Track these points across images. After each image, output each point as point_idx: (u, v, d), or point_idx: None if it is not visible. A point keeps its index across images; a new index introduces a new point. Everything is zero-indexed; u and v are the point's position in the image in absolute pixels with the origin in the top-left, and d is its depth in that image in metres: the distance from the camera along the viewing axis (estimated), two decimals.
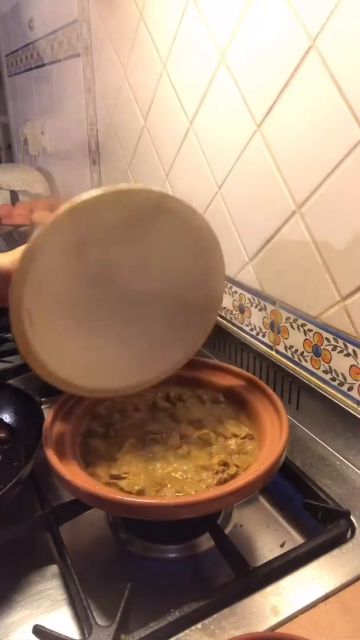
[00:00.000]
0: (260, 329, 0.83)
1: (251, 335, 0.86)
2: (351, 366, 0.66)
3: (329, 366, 0.70)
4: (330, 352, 0.69)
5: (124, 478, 0.52)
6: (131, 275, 0.55)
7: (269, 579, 0.50)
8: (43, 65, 1.70)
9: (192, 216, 0.55)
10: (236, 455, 0.55)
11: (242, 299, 0.86)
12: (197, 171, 0.90)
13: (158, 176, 1.05)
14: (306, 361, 0.74)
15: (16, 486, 0.53)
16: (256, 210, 0.78)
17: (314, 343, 0.72)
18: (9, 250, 0.55)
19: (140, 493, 0.50)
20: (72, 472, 0.50)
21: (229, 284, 0.88)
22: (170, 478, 0.53)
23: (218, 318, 0.94)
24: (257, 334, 0.84)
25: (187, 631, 0.45)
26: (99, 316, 0.55)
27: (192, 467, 0.54)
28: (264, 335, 0.82)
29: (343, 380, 0.68)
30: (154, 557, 0.55)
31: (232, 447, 0.56)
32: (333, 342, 0.68)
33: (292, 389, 0.76)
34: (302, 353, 0.74)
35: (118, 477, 0.52)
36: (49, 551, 0.55)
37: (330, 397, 0.70)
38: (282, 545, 0.56)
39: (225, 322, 0.92)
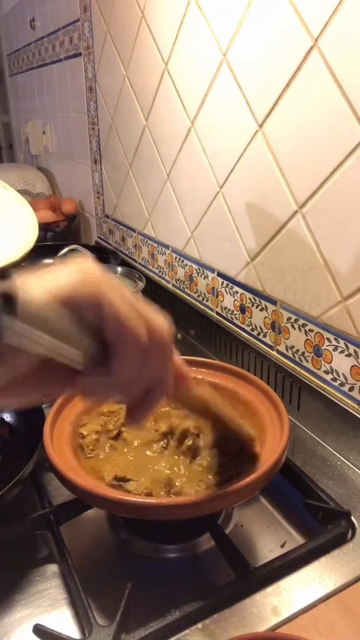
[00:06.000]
0: (261, 329, 0.83)
1: (252, 335, 0.86)
2: (352, 366, 0.66)
3: (330, 366, 0.70)
4: (331, 353, 0.69)
5: (128, 480, 0.52)
6: None
7: (269, 579, 0.50)
8: (45, 64, 1.70)
9: None
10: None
11: (243, 299, 0.86)
12: (198, 171, 0.90)
13: (159, 176, 1.05)
14: (307, 361, 0.74)
15: (16, 486, 0.53)
16: (257, 210, 0.78)
17: (315, 343, 0.72)
18: None
19: (141, 494, 0.50)
20: (73, 472, 0.50)
21: (230, 284, 0.88)
22: (173, 478, 0.52)
23: (219, 318, 0.94)
24: (258, 334, 0.84)
25: (187, 631, 0.45)
26: None
27: (193, 467, 0.54)
28: (265, 336, 0.82)
29: (344, 381, 0.68)
30: (154, 557, 0.55)
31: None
32: (334, 343, 0.68)
33: (293, 389, 0.76)
34: (303, 353, 0.74)
35: (123, 480, 0.52)
36: (50, 550, 0.55)
37: (331, 398, 0.69)
38: (282, 546, 0.56)
39: (226, 322, 0.92)
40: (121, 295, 0.33)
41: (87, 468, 0.54)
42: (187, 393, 0.46)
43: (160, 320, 0.36)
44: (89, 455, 0.57)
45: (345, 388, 0.68)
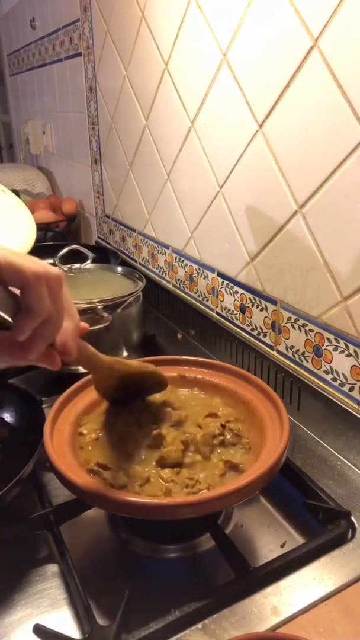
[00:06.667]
0: (261, 329, 0.83)
1: (252, 335, 0.86)
2: (352, 366, 0.66)
3: (330, 366, 0.70)
4: (331, 353, 0.69)
5: (108, 469, 0.53)
6: None
7: (269, 579, 0.50)
8: (45, 64, 1.70)
9: None
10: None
11: (244, 299, 0.86)
12: (198, 171, 0.90)
13: (159, 176, 1.05)
14: (307, 361, 0.74)
15: (16, 486, 0.53)
16: (257, 210, 0.78)
17: (315, 343, 0.72)
18: None
19: (122, 487, 0.51)
20: (73, 472, 0.50)
21: (230, 284, 0.88)
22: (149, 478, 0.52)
23: (219, 318, 0.94)
24: (259, 334, 0.84)
25: (187, 631, 0.45)
26: None
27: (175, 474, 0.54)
28: (265, 336, 0.82)
29: (344, 381, 0.68)
30: (154, 557, 0.55)
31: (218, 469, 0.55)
32: (334, 343, 0.68)
33: (293, 389, 0.76)
34: (303, 353, 0.74)
35: (104, 467, 0.53)
36: (50, 550, 0.55)
37: (331, 398, 0.69)
38: (282, 546, 0.56)
39: (226, 322, 0.92)
40: (4, 249, 0.38)
41: (81, 459, 0.55)
42: (88, 347, 0.51)
43: (43, 263, 0.41)
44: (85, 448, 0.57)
45: (345, 388, 0.68)
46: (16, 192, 1.70)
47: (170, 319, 1.12)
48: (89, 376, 0.66)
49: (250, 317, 0.85)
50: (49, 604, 0.49)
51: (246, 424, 0.60)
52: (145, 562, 0.55)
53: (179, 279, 1.07)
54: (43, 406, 0.68)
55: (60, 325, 0.42)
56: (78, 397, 0.63)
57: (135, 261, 1.28)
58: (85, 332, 0.48)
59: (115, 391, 0.60)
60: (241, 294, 0.86)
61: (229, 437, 0.58)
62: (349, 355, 0.66)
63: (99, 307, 0.84)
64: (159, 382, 0.62)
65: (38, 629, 0.45)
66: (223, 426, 0.59)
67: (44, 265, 0.40)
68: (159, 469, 0.54)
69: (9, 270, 0.37)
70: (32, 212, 1.51)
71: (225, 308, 0.92)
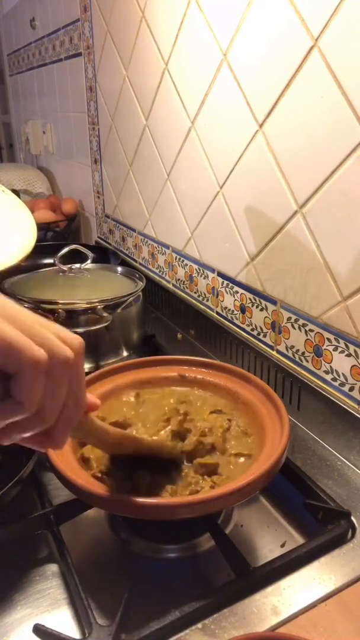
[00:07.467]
0: (261, 329, 0.83)
1: (252, 335, 0.86)
2: (352, 366, 0.66)
3: (330, 366, 0.70)
4: (331, 353, 0.69)
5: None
6: None
7: (269, 579, 0.50)
8: (45, 64, 1.70)
9: None
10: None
11: (243, 298, 0.86)
12: (198, 171, 0.90)
13: (159, 176, 1.05)
14: (307, 361, 0.74)
15: (16, 486, 0.53)
16: (258, 210, 0.78)
17: (315, 343, 0.72)
18: None
19: (130, 492, 0.50)
20: (72, 471, 0.50)
21: (230, 284, 0.88)
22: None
23: (219, 318, 0.94)
24: (258, 334, 0.84)
25: (187, 631, 0.45)
26: None
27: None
28: (265, 335, 0.82)
29: (344, 381, 0.68)
30: (154, 557, 0.55)
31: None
32: (334, 343, 0.68)
33: (293, 389, 0.76)
34: (303, 353, 0.74)
35: (108, 473, 0.52)
36: (50, 550, 0.55)
37: (331, 398, 0.69)
38: (282, 546, 0.56)
39: (226, 322, 0.92)
40: (5, 317, 0.31)
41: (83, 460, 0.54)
42: (93, 423, 0.45)
43: (64, 336, 0.34)
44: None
45: (346, 388, 0.68)
46: (16, 192, 1.70)
47: (170, 319, 1.12)
48: (91, 375, 0.66)
49: (250, 317, 0.85)
50: (49, 604, 0.49)
51: (247, 422, 0.60)
52: (145, 562, 0.55)
53: (179, 279, 1.07)
54: None
55: (49, 421, 0.34)
56: None
57: (135, 261, 1.28)
58: (95, 409, 0.42)
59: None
60: (241, 294, 0.86)
61: (234, 433, 0.58)
62: (349, 355, 0.66)
63: (99, 307, 0.84)
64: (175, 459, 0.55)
65: (38, 629, 0.45)
66: (230, 420, 0.59)
67: (53, 346, 0.32)
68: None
69: (2, 350, 0.30)
70: (32, 212, 1.50)
71: (225, 308, 0.92)
